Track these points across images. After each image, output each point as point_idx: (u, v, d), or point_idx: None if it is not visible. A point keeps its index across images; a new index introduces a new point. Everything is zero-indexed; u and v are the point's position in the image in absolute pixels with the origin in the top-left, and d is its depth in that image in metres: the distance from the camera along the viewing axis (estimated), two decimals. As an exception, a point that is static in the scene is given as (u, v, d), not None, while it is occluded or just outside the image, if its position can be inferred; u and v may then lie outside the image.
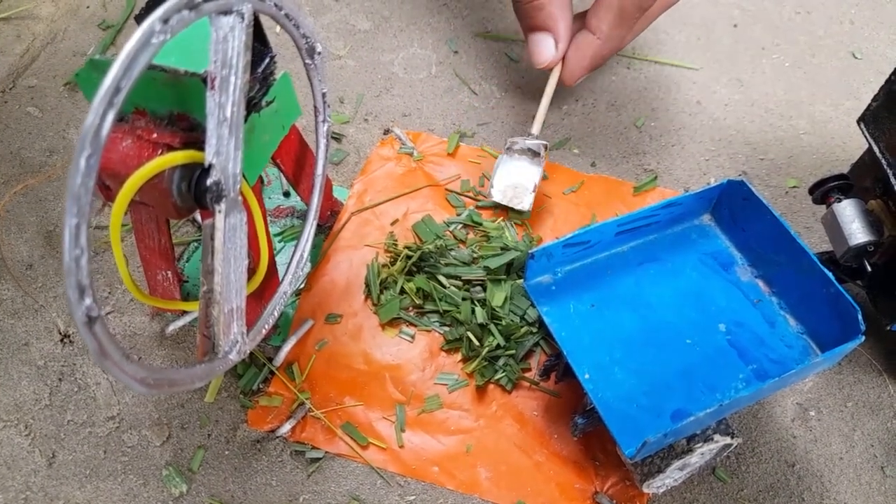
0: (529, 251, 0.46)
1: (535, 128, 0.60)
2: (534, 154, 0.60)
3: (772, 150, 0.68)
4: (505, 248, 0.57)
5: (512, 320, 0.54)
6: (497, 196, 0.60)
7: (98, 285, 0.59)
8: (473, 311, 0.54)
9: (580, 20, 0.61)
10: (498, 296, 0.55)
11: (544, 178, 0.63)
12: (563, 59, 0.60)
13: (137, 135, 0.40)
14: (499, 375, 0.53)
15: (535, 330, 0.54)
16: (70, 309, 0.29)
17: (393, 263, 0.59)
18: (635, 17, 0.57)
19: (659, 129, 0.69)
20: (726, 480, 0.50)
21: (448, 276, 0.57)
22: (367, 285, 0.58)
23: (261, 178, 0.51)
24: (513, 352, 0.54)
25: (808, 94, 0.72)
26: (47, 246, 0.62)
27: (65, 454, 0.52)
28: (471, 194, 0.64)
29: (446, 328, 0.56)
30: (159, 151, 0.39)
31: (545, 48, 0.59)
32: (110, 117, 0.29)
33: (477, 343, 0.54)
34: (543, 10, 0.58)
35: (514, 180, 0.60)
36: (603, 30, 0.58)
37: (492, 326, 0.54)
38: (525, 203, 0.59)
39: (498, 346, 0.53)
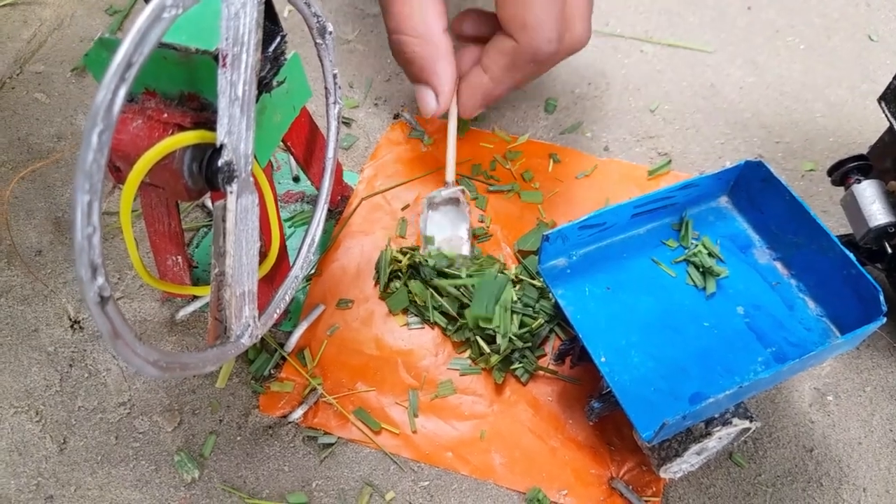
0: (544, 233, 0.45)
1: (449, 175, 0.58)
2: (456, 202, 0.59)
3: (787, 133, 0.67)
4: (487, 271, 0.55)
5: (524, 316, 0.53)
6: (435, 253, 0.57)
7: (107, 271, 0.59)
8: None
9: (476, 51, 0.58)
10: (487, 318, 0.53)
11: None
12: (458, 92, 0.58)
13: (148, 115, 0.39)
14: (515, 367, 0.53)
15: (550, 315, 0.54)
16: (82, 289, 0.29)
17: (403, 254, 0.58)
18: (527, 67, 0.55)
19: (673, 113, 0.68)
20: (743, 465, 0.50)
21: (443, 289, 0.55)
22: (378, 272, 0.58)
23: (270, 163, 0.50)
24: (529, 344, 0.53)
25: (823, 77, 0.71)
26: (56, 232, 0.61)
27: (76, 440, 0.52)
28: (481, 178, 0.63)
29: (451, 327, 0.55)
30: (170, 131, 0.38)
31: (427, 100, 0.58)
32: (122, 93, 0.28)
33: (487, 350, 0.53)
34: (415, 65, 0.56)
35: (447, 233, 0.59)
36: (494, 72, 0.56)
37: (499, 337, 0.52)
38: (465, 250, 0.58)
39: (511, 344, 0.52)
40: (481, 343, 0.53)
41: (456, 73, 0.57)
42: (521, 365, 0.52)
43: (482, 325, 0.52)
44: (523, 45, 0.53)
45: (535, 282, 0.55)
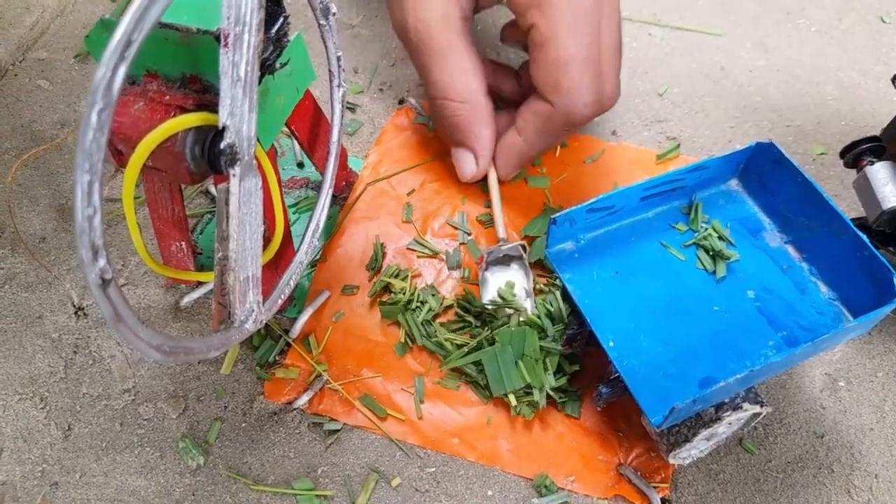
0: (552, 216, 0.45)
1: (501, 231, 0.56)
2: (512, 258, 0.56)
3: (798, 116, 0.66)
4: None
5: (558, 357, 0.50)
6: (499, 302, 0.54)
7: (111, 258, 0.58)
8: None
9: (512, 113, 0.57)
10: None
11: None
12: (495, 155, 0.58)
13: (149, 97, 0.39)
14: (563, 401, 0.50)
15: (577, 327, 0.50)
16: (83, 271, 0.29)
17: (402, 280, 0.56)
18: (562, 130, 0.54)
19: (682, 97, 0.67)
20: (754, 451, 0.49)
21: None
22: (374, 260, 0.57)
23: (273, 148, 0.50)
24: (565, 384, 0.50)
25: (835, 60, 0.70)
26: (60, 219, 0.61)
27: (81, 427, 0.51)
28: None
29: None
30: (172, 114, 0.38)
31: (466, 164, 0.58)
32: (122, 71, 0.27)
33: (514, 405, 0.49)
34: (459, 129, 0.56)
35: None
36: (528, 134, 0.55)
37: (536, 393, 0.49)
38: (527, 306, 0.54)
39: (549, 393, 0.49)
40: (510, 399, 0.49)
41: (495, 137, 0.57)
42: (565, 399, 0.50)
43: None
44: (558, 109, 0.52)
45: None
